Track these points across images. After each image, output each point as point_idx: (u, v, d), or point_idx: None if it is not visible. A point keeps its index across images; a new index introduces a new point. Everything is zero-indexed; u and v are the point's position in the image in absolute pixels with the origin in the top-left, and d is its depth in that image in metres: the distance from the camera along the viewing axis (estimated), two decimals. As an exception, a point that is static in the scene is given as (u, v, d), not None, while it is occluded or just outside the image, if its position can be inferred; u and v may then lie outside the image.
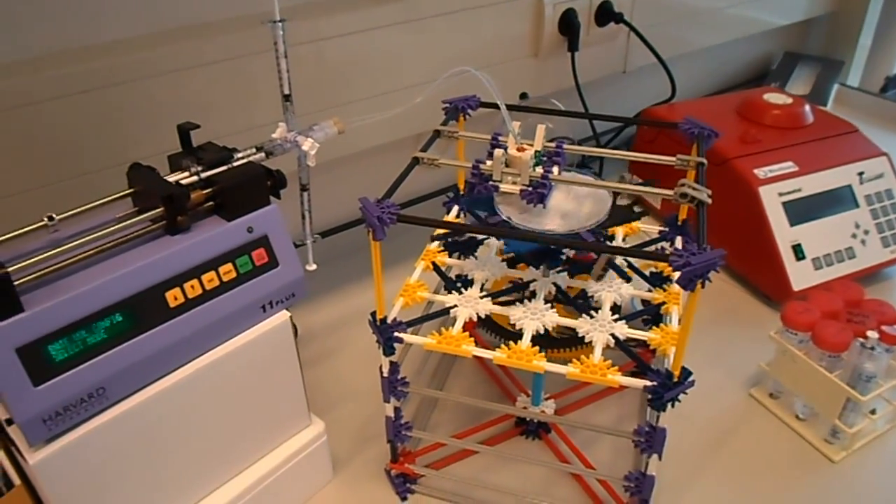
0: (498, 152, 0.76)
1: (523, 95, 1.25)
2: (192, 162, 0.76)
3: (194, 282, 0.72)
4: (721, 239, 0.87)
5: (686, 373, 0.72)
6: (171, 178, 0.74)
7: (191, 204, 0.73)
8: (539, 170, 0.80)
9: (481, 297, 0.81)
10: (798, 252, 1.14)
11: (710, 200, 0.71)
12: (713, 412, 1.01)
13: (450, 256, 0.90)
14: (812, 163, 1.20)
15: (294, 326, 1.16)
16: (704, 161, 0.79)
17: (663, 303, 0.82)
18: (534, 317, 0.78)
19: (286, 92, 0.82)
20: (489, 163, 0.79)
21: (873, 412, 0.96)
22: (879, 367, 0.91)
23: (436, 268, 0.87)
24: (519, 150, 0.79)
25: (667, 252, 0.67)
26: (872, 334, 0.91)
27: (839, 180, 1.20)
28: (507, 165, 0.79)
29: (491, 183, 0.77)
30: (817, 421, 0.97)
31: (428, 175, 0.88)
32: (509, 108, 0.93)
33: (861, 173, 1.22)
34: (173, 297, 0.71)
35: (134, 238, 0.71)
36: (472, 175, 0.78)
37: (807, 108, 1.30)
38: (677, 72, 1.41)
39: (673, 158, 0.80)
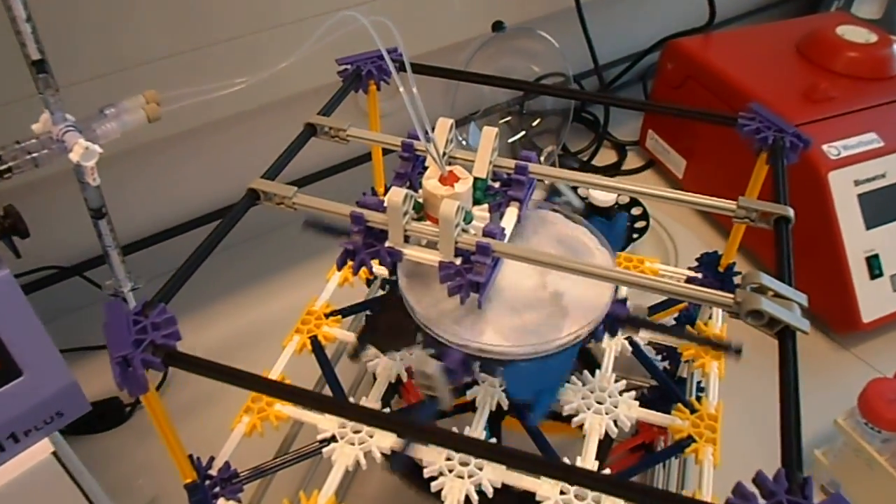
0: (395, 196, 0.38)
1: (498, 26, 0.83)
2: None
3: None
4: (763, 237, 0.47)
5: None
6: None
7: None
8: (481, 213, 0.42)
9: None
10: (873, 266, 0.76)
11: (807, 328, 0.33)
12: None
13: (345, 317, 0.53)
14: (903, 134, 0.79)
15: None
16: (790, 214, 0.40)
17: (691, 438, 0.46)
18: (463, 468, 0.43)
19: (35, 56, 0.43)
20: (396, 198, 0.40)
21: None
22: None
23: (317, 350, 0.50)
24: (445, 180, 0.41)
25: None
26: None
27: (939, 160, 0.80)
28: (416, 211, 0.41)
29: (387, 247, 0.40)
30: (892, 539, 0.63)
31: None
32: (450, 75, 0.53)
33: (968, 149, 0.81)
34: None
35: None
36: (356, 229, 0.39)
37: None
38: (714, -16, 0.97)
39: (731, 205, 0.41)
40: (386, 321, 0.45)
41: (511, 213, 0.42)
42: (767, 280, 0.34)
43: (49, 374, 0.43)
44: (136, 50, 0.63)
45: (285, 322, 0.53)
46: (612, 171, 0.99)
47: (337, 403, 0.32)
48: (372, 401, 0.46)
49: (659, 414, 0.46)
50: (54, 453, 0.44)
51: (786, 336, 0.33)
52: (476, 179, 0.41)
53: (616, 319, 0.41)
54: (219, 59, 0.67)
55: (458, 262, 0.38)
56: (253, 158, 0.77)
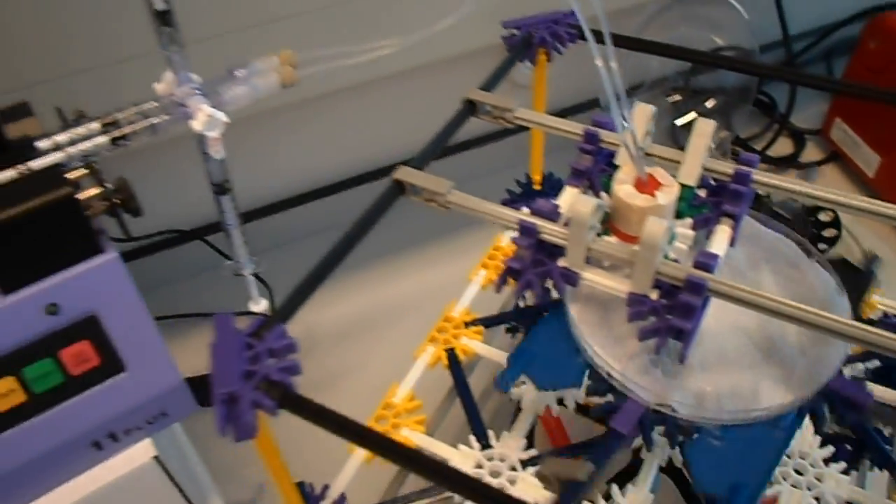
0: (583, 206, 0.29)
1: (676, -12, 0.71)
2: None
3: (-77, 420, 0.33)
4: None
5: None
6: None
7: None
8: (683, 231, 0.32)
9: (525, 460, 0.37)
10: None
11: None
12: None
13: (489, 327, 0.45)
14: None
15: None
16: None
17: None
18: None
19: (159, 5, 0.37)
20: (563, 207, 0.32)
21: None
22: None
23: (454, 366, 0.43)
24: (644, 186, 0.31)
25: None
26: None
27: None
28: (603, 223, 0.32)
29: (562, 267, 0.31)
30: None
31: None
32: (624, 43, 0.43)
33: None
34: None
35: None
36: (525, 242, 0.31)
37: None
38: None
39: None
40: (546, 350, 0.36)
41: (722, 234, 0.32)
42: None
43: (154, 372, 0.38)
44: (266, 3, 0.57)
45: (417, 306, 0.47)
46: (788, 163, 0.85)
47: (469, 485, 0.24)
48: (515, 436, 0.38)
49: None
50: (156, 458, 0.39)
51: None
52: (683, 187, 0.32)
53: (848, 403, 0.30)
54: (356, 16, 0.59)
55: (654, 296, 0.29)
56: (374, 129, 0.69)
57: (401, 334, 0.48)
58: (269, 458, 0.29)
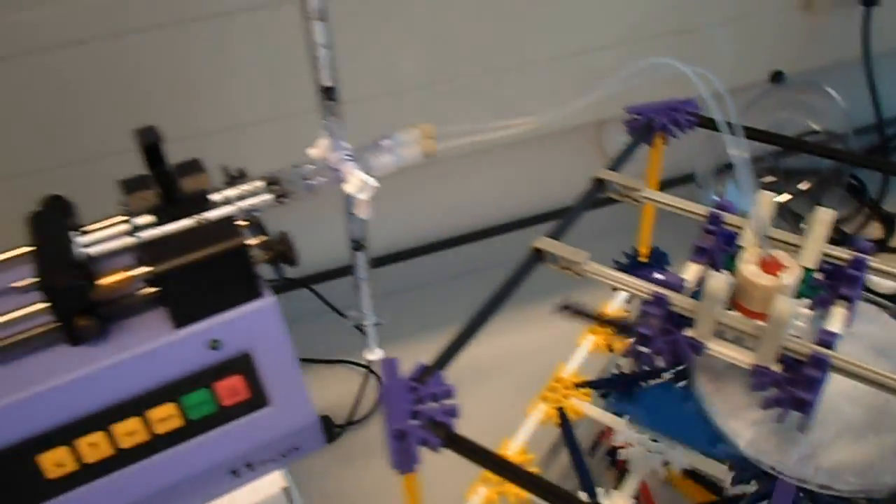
0: (718, 282, 0.32)
1: (777, 76, 0.74)
2: (144, 203, 0.40)
3: (97, 436, 0.37)
4: None
5: None
6: (88, 239, 0.38)
7: (113, 288, 0.37)
8: (802, 311, 0.35)
9: (634, 521, 0.39)
10: None
11: None
12: None
13: (601, 389, 0.47)
14: None
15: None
16: None
17: None
18: None
19: (326, 83, 0.42)
20: (688, 281, 0.35)
21: None
22: None
23: (565, 425, 0.45)
24: (768, 267, 0.34)
25: None
26: None
27: None
28: (731, 300, 0.35)
29: (688, 336, 0.34)
30: None
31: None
32: (753, 134, 0.46)
33: None
34: (54, 462, 0.37)
35: (23, 340, 0.37)
36: (656, 312, 0.34)
37: None
38: None
39: None
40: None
41: (838, 315, 0.34)
42: None
43: (294, 409, 0.42)
44: (390, 75, 0.63)
45: (518, 363, 0.50)
46: (878, 247, 0.86)
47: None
48: (624, 495, 0.40)
49: None
50: (285, 489, 0.43)
51: None
52: (805, 272, 0.34)
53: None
54: (475, 90, 0.65)
55: (776, 368, 0.32)
56: (487, 191, 0.74)
57: (502, 389, 0.51)
58: (412, 492, 0.32)
